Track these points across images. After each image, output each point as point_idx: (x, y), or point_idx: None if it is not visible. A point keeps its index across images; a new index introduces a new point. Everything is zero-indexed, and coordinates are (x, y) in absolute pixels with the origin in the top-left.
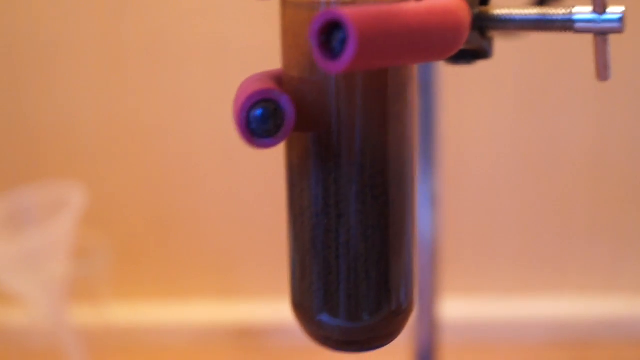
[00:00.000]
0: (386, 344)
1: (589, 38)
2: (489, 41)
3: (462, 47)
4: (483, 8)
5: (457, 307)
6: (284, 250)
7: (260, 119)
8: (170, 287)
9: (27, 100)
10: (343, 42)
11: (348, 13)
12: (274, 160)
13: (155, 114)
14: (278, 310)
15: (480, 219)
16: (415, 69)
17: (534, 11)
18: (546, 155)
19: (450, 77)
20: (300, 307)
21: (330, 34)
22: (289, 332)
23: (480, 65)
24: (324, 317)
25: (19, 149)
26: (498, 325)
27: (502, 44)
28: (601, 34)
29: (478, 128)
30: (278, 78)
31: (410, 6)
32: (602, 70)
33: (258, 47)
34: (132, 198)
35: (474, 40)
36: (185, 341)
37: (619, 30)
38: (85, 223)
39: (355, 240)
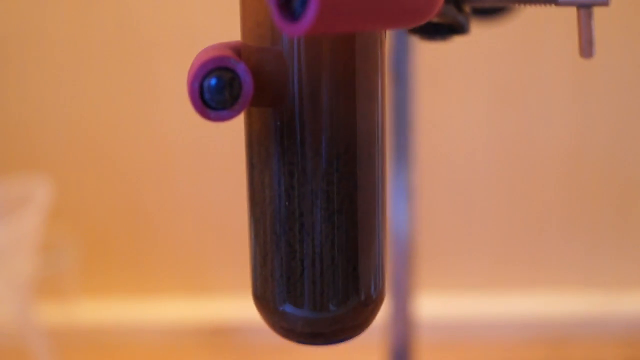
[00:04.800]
0: (354, 337)
1: (568, 29)
2: (466, 16)
3: (436, 20)
4: None
5: (432, 304)
6: None
7: (214, 89)
8: (140, 284)
9: None
10: (304, 2)
11: None
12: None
13: (125, 108)
14: (250, 307)
15: (456, 215)
16: (385, 37)
17: None
18: (523, 151)
19: (427, 69)
20: (262, 297)
21: None
22: (261, 329)
23: (457, 57)
24: (287, 308)
25: None
26: (474, 322)
27: (479, 36)
28: (585, 7)
29: (455, 122)
30: (237, 49)
31: None
32: (586, 46)
33: (229, 38)
34: (100, 192)
35: (449, 13)
36: (156, 339)
37: (604, 3)
38: (52, 218)
39: (321, 224)
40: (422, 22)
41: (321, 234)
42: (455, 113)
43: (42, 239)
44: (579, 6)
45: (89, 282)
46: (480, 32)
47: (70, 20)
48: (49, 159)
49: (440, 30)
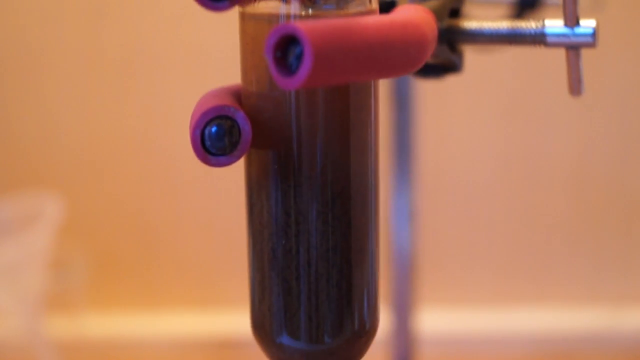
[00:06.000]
0: None
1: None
2: (459, 55)
3: (430, 61)
4: (452, 21)
5: (436, 320)
6: None
7: (214, 137)
8: (148, 298)
9: (1, 109)
10: (299, 57)
11: (304, 27)
12: None
13: (135, 124)
14: None
15: (459, 229)
16: (378, 83)
17: (504, 25)
18: (526, 167)
19: (430, 90)
20: (260, 329)
21: (287, 49)
22: None
23: (459, 77)
24: (284, 340)
25: None
26: (476, 337)
27: (481, 56)
28: (573, 49)
29: (458, 140)
30: (237, 94)
31: (371, 20)
32: (575, 85)
33: (234, 56)
34: (110, 208)
35: (442, 54)
36: (164, 352)
37: (591, 45)
38: (62, 234)
39: (316, 261)
40: (413, 70)
41: (316, 271)
42: (458, 126)
43: (52, 255)
44: (568, 47)
45: (97, 296)
46: (483, 49)
47: (80, 38)
48: (59, 176)
49: (434, 69)
